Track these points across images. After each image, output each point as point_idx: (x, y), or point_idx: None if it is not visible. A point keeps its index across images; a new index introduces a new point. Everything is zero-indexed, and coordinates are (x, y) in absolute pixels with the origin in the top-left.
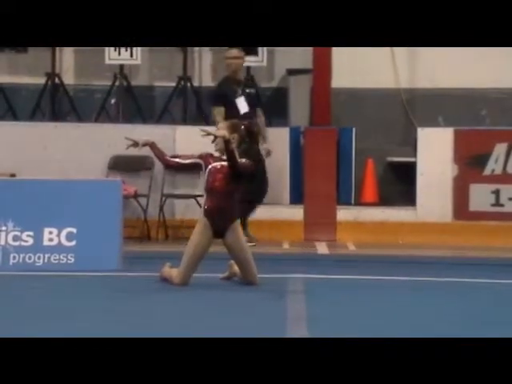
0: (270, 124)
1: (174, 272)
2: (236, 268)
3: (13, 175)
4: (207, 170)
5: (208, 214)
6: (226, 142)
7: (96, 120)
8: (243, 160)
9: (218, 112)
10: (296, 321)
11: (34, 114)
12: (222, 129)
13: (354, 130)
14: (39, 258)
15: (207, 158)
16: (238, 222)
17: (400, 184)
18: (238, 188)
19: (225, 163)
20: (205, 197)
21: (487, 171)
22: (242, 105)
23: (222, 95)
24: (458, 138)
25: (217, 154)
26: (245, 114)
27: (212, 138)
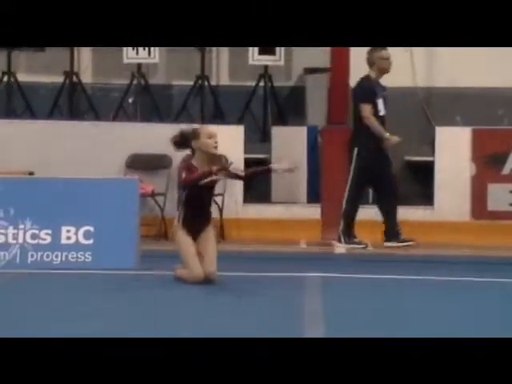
0: (286, 123)
1: (184, 272)
2: None
3: (31, 173)
4: (181, 181)
5: (185, 223)
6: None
7: (114, 119)
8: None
9: (367, 109)
10: (313, 320)
11: (51, 113)
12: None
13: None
14: (57, 256)
15: (188, 166)
16: (212, 227)
17: (417, 183)
18: (213, 193)
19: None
20: (181, 208)
21: (505, 170)
22: (381, 106)
23: (372, 93)
24: (476, 137)
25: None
26: (382, 116)
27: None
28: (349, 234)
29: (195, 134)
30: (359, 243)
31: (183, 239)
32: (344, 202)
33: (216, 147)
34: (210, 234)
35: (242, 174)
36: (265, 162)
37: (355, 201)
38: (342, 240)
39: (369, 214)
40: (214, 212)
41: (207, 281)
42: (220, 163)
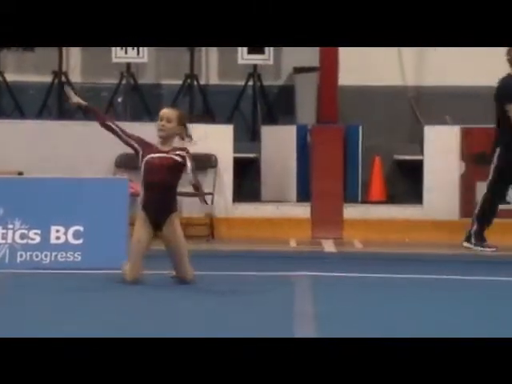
0: (276, 122)
1: (125, 269)
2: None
3: (20, 173)
4: (143, 162)
5: (145, 208)
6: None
7: None
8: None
9: None
10: (303, 319)
11: (41, 113)
12: None
13: (360, 127)
14: (46, 256)
15: (147, 147)
16: (177, 214)
17: (407, 182)
18: (177, 180)
19: (163, 155)
20: (141, 191)
21: None
22: None
23: None
24: (465, 135)
25: (158, 145)
26: None
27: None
28: (481, 237)
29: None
30: (490, 246)
31: (136, 234)
32: (481, 203)
33: (160, 130)
34: (175, 226)
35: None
36: (255, 161)
37: (495, 202)
38: (473, 241)
39: (358, 212)
40: (201, 210)
41: (185, 281)
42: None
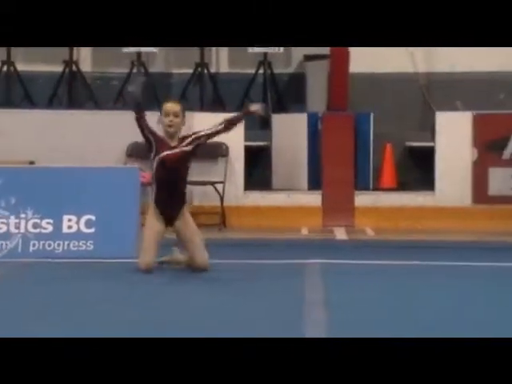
0: (286, 110)
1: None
2: (180, 256)
3: (32, 163)
4: (157, 159)
5: (158, 204)
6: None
7: (113, 107)
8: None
9: None
10: (314, 306)
11: (51, 102)
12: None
13: (371, 115)
14: (59, 245)
15: (160, 143)
16: (187, 205)
17: (418, 169)
18: (187, 171)
19: (174, 151)
20: (154, 187)
21: (506, 155)
22: None
23: None
24: (477, 122)
25: (168, 140)
26: None
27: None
28: None
29: (161, 110)
30: None
31: (150, 224)
32: None
33: (170, 126)
34: (187, 219)
35: (220, 126)
36: (265, 150)
37: None
38: None
39: (370, 200)
40: (215, 200)
41: (201, 270)
42: (181, 142)
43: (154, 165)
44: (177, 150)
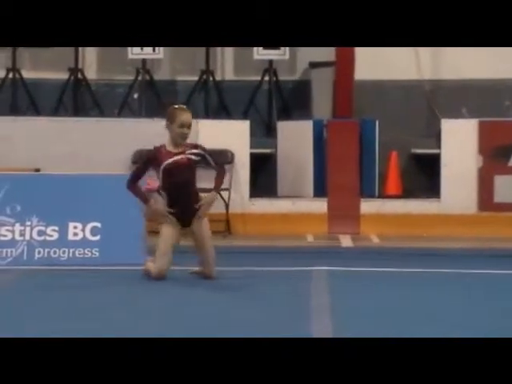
0: (292, 117)
1: (151, 266)
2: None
3: (37, 170)
4: (162, 168)
5: (172, 208)
6: None
7: (118, 115)
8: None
9: None
10: (320, 313)
11: (56, 109)
12: None
13: (377, 122)
14: (64, 252)
15: (156, 158)
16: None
17: (424, 176)
18: (195, 176)
19: (179, 157)
20: (164, 195)
21: None
22: None
23: None
24: (483, 129)
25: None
26: None
27: None
28: None
29: (171, 117)
30: None
31: (166, 231)
32: None
33: (185, 138)
34: (202, 222)
35: (217, 168)
36: (271, 157)
37: None
38: None
39: (375, 207)
40: (221, 207)
41: (206, 278)
42: (186, 149)
43: (160, 175)
44: (182, 157)
